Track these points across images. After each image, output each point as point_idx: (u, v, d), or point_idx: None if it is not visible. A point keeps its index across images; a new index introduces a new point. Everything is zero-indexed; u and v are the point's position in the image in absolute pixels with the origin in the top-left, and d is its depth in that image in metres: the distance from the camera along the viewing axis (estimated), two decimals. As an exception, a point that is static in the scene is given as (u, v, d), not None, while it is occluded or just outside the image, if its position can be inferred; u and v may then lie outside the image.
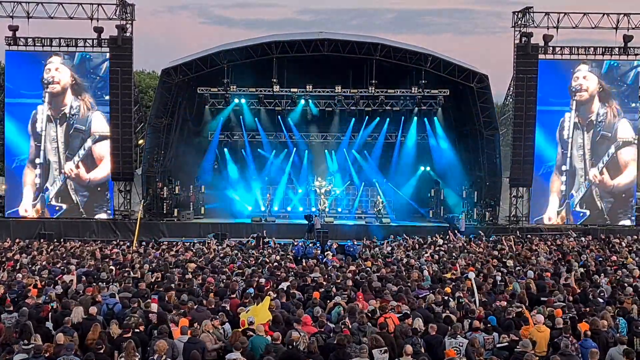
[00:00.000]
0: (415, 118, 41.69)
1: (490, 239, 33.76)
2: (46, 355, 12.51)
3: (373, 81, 38.54)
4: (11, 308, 15.80)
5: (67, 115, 38.73)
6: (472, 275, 18.40)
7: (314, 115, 41.80)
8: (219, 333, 14.35)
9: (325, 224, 37.94)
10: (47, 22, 38.06)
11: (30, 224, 37.74)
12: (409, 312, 15.46)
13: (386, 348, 13.29)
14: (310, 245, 30.45)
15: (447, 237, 33.56)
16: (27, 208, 38.86)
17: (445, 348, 13.42)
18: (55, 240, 34.26)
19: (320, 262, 24.84)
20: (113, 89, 37.75)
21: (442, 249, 29.03)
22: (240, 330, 14.21)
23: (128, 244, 31.67)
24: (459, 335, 13.84)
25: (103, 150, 38.81)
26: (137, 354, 12.74)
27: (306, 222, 37.16)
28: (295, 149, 43.12)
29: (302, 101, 40.31)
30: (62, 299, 17.01)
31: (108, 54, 37.98)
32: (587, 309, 16.27)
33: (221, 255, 27.09)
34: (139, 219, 33.65)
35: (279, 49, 38.21)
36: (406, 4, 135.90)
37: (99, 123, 38.74)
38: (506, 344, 13.87)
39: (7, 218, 38.56)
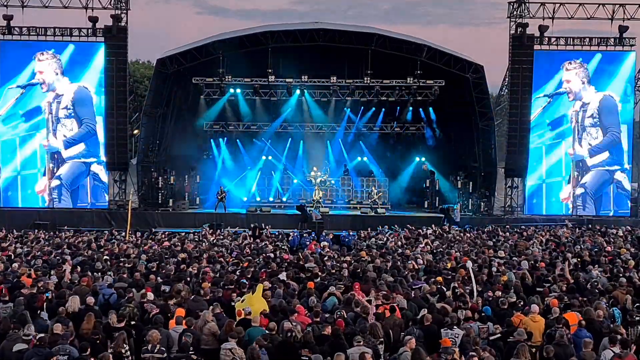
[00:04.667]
0: (411, 108, 41.60)
1: (485, 229, 33.82)
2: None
3: (368, 71, 38.48)
4: (6, 298, 15.80)
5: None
6: (469, 264, 18.42)
7: (309, 105, 41.70)
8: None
9: (321, 214, 37.95)
10: (42, 11, 37.97)
11: (25, 214, 37.65)
12: (403, 304, 15.55)
13: (382, 339, 13.37)
14: (305, 235, 30.46)
15: (442, 227, 33.63)
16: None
17: (440, 338, 13.48)
18: (50, 230, 34.21)
19: (316, 252, 24.89)
20: (108, 78, 37.65)
21: (438, 239, 29.05)
22: (236, 320, 14.26)
23: (123, 233, 31.65)
24: (455, 327, 13.90)
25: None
26: (126, 344, 12.77)
27: (299, 213, 37.18)
28: (290, 139, 43.05)
29: (298, 91, 40.23)
30: (57, 289, 17.01)
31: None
32: (582, 299, 16.33)
33: (217, 245, 27.12)
34: (130, 209, 33.62)
35: (275, 39, 38.12)
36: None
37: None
38: (499, 334, 13.92)
39: (2, 208, 38.46)
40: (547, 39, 38.81)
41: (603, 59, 39.25)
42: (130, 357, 12.80)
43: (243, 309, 14.56)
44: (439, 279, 18.62)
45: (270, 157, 43.11)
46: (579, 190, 39.40)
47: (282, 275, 19.11)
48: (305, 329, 13.64)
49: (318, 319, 14.39)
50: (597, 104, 39.19)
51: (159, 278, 18.79)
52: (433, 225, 33.96)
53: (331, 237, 30.34)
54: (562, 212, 39.39)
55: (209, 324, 13.92)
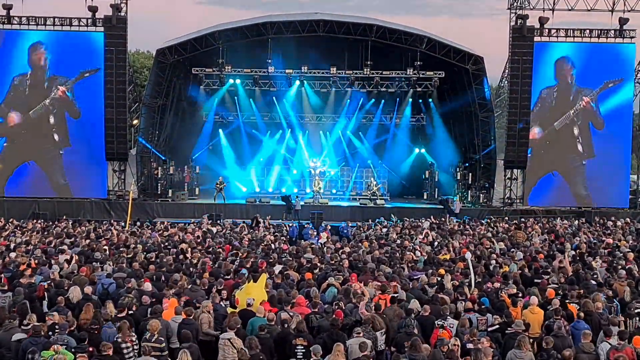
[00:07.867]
0: (410, 100, 41.61)
1: (484, 221, 33.81)
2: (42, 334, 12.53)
3: (368, 62, 38.48)
4: (6, 287, 15.80)
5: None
6: (468, 255, 18.42)
7: (309, 96, 41.69)
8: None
9: (319, 205, 37.98)
10: (42, 1, 37.91)
11: (24, 204, 37.61)
12: (402, 295, 15.55)
13: (384, 330, 13.40)
14: (305, 226, 30.49)
15: (442, 218, 33.62)
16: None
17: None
18: (49, 220, 34.20)
19: (315, 244, 24.93)
20: (107, 68, 37.52)
21: (436, 231, 29.04)
22: (237, 310, 14.27)
23: (122, 224, 31.62)
24: (448, 317, 13.94)
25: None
26: (133, 333, 12.79)
27: (284, 203, 37.19)
28: (290, 130, 43.05)
29: (297, 82, 40.20)
30: (56, 279, 17.02)
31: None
32: (580, 291, 16.33)
33: (216, 235, 27.11)
34: (130, 199, 33.59)
35: (274, 30, 38.05)
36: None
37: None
38: (497, 326, 13.94)
39: (1, 198, 38.38)
40: (547, 30, 38.70)
41: (603, 51, 39.12)
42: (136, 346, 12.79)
43: (245, 300, 14.54)
44: (441, 271, 18.59)
45: (270, 148, 43.11)
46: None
47: (281, 266, 19.14)
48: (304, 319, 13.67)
49: (317, 310, 14.43)
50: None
51: (158, 268, 18.81)
52: (432, 217, 33.99)
53: (329, 228, 30.34)
54: (561, 205, 39.34)
55: (203, 314, 13.95)
